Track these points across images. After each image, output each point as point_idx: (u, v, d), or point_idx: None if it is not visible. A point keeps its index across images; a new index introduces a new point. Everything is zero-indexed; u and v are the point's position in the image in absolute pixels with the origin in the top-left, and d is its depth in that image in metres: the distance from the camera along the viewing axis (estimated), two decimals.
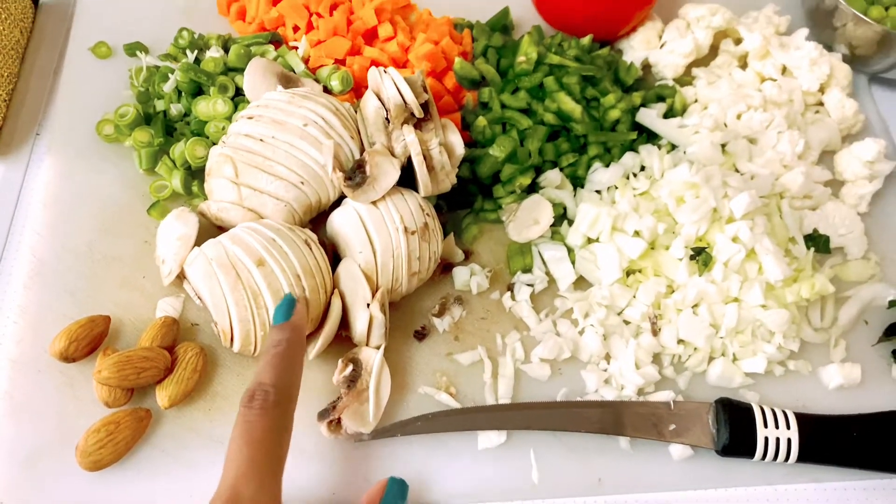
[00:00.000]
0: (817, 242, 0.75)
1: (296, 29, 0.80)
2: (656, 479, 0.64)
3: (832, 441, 0.63)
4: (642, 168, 0.76)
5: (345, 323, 0.66)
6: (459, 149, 0.71)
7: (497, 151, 0.73)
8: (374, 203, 0.67)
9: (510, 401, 0.66)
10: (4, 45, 0.80)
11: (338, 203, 0.70)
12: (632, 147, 0.77)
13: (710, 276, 0.68)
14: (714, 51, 0.88)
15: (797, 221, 0.74)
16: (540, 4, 0.85)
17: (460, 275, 0.72)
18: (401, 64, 0.78)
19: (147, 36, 0.84)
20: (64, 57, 0.83)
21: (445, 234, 0.74)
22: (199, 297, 0.64)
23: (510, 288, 0.72)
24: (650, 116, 0.77)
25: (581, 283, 0.73)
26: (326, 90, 0.75)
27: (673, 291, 0.70)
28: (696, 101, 0.82)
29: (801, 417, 0.64)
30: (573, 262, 0.72)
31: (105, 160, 0.76)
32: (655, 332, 0.68)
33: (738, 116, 0.79)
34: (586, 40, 0.82)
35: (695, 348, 0.68)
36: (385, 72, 0.68)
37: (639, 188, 0.73)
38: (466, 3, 0.90)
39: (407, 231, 0.66)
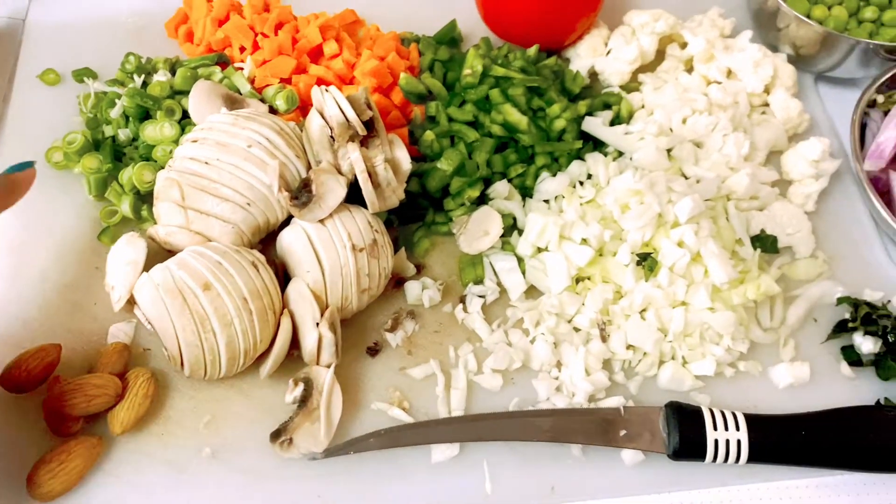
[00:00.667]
0: (765, 243, 0.75)
1: (242, 49, 0.80)
2: (609, 485, 0.65)
3: (781, 441, 0.64)
4: (589, 176, 0.76)
5: (296, 342, 0.67)
6: (406, 164, 0.71)
7: (445, 165, 0.74)
8: (321, 221, 0.67)
9: (463, 413, 0.67)
10: None
11: (288, 222, 0.70)
12: (579, 156, 0.78)
13: (657, 281, 0.69)
14: (661, 55, 0.89)
15: (744, 223, 0.75)
16: (486, 16, 0.86)
17: (412, 289, 0.72)
18: (347, 81, 0.78)
19: (96, 61, 0.84)
20: (13, 84, 0.83)
21: (397, 249, 0.74)
22: (149, 322, 0.64)
23: (462, 300, 0.73)
24: (595, 124, 0.78)
25: (532, 291, 0.73)
26: (272, 110, 0.76)
27: (621, 297, 0.70)
28: (642, 106, 0.83)
29: (750, 418, 0.64)
30: (524, 272, 0.73)
31: (55, 187, 0.76)
32: (604, 339, 0.69)
33: (684, 121, 0.80)
34: (532, 50, 0.83)
35: (644, 353, 0.69)
36: (327, 91, 0.68)
37: (585, 196, 0.74)
38: (415, 16, 0.90)
39: (355, 248, 0.66)
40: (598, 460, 0.65)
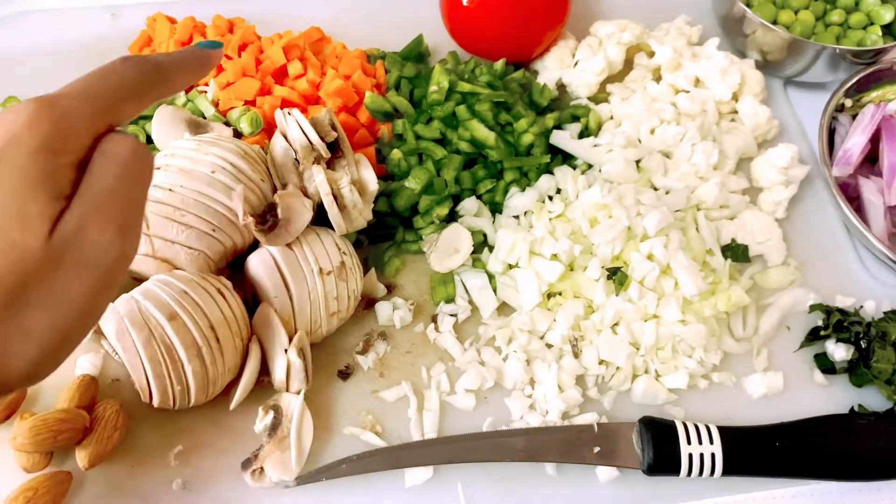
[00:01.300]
0: (736, 252, 0.75)
1: None
2: (584, 502, 0.64)
3: (755, 452, 0.64)
4: (559, 191, 0.76)
5: (267, 368, 0.66)
6: (373, 185, 0.71)
7: (413, 183, 0.73)
8: (288, 245, 0.67)
9: (436, 435, 0.66)
10: None
11: (256, 245, 0.70)
12: (548, 170, 0.77)
13: (627, 294, 0.69)
14: (630, 64, 0.89)
15: (714, 233, 0.75)
16: (453, 30, 0.85)
17: (383, 310, 0.72)
18: (312, 101, 0.77)
19: (59, 87, 0.83)
20: None
21: (367, 269, 0.74)
22: (116, 354, 0.63)
23: (434, 319, 0.72)
24: (563, 137, 0.78)
25: (505, 308, 0.73)
26: (237, 133, 0.75)
27: (593, 312, 0.70)
28: (611, 117, 0.83)
29: (723, 431, 0.64)
30: (495, 289, 0.72)
31: None
32: (577, 354, 0.68)
33: (652, 131, 0.80)
34: (499, 64, 0.83)
35: (617, 368, 0.68)
36: (289, 114, 0.68)
37: (554, 211, 0.73)
38: (382, 31, 0.90)
39: (323, 272, 0.66)
40: (572, 478, 0.65)
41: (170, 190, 0.67)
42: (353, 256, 0.69)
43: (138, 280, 0.67)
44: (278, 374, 0.64)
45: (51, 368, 0.39)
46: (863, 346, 0.71)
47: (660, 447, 0.63)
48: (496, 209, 0.77)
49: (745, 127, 0.83)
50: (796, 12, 0.88)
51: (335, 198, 0.67)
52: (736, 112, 0.85)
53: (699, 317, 0.69)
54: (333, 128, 0.70)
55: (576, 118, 0.81)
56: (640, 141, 0.80)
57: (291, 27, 0.86)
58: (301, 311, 0.66)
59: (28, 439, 0.61)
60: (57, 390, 0.66)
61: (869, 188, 0.76)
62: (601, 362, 0.68)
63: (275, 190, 0.69)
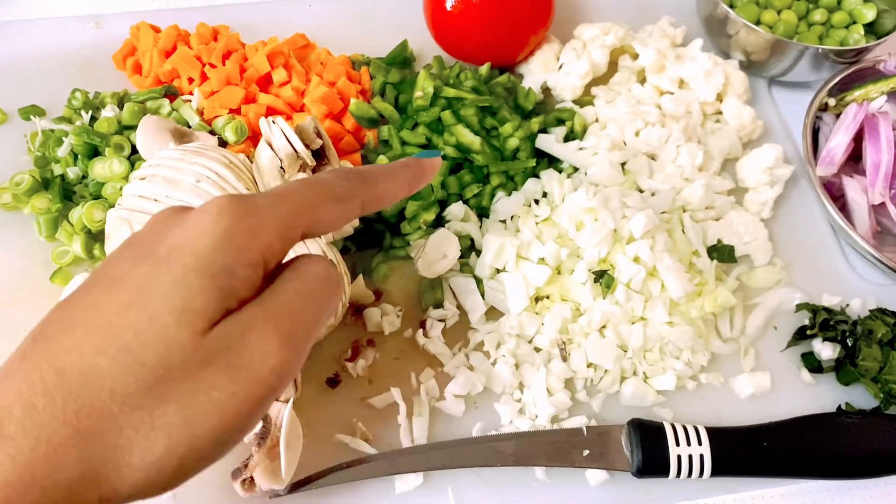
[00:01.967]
0: (722, 253, 0.76)
1: (191, 81, 0.79)
2: None
3: (743, 453, 0.64)
4: (545, 194, 0.76)
5: None
6: None
7: None
8: None
9: (426, 441, 0.66)
10: None
11: None
12: (535, 173, 0.77)
13: (614, 297, 0.69)
14: (614, 67, 0.89)
15: (700, 234, 0.75)
16: (437, 35, 0.85)
17: (372, 316, 0.72)
18: (297, 108, 0.77)
19: (44, 98, 0.83)
20: None
21: (356, 275, 0.74)
22: None
23: (423, 325, 0.72)
24: (549, 141, 0.78)
25: (493, 313, 0.73)
26: (223, 142, 0.75)
27: (581, 315, 0.70)
28: (596, 120, 0.83)
29: (712, 432, 0.64)
30: (483, 294, 0.72)
31: (5, 228, 0.75)
32: (565, 358, 0.69)
33: (637, 133, 0.80)
34: (484, 68, 0.83)
35: (605, 370, 0.69)
36: (273, 122, 0.68)
37: (540, 215, 0.73)
38: (367, 37, 0.90)
39: None
40: (562, 482, 0.65)
41: (155, 200, 0.66)
42: (340, 263, 0.69)
43: None
44: None
45: (169, 481, 0.34)
46: (849, 345, 0.71)
47: (648, 449, 0.63)
48: (483, 214, 0.77)
49: (730, 128, 0.84)
50: (779, 12, 0.88)
51: None
52: (720, 113, 0.85)
53: (686, 318, 0.69)
54: (318, 135, 0.70)
55: (561, 122, 0.82)
56: (625, 143, 0.80)
57: (276, 34, 0.86)
58: None
59: None
60: None
61: (853, 187, 0.76)
62: (589, 365, 0.69)
63: None
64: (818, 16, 0.88)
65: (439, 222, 0.76)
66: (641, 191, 0.77)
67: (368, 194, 0.41)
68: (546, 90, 0.87)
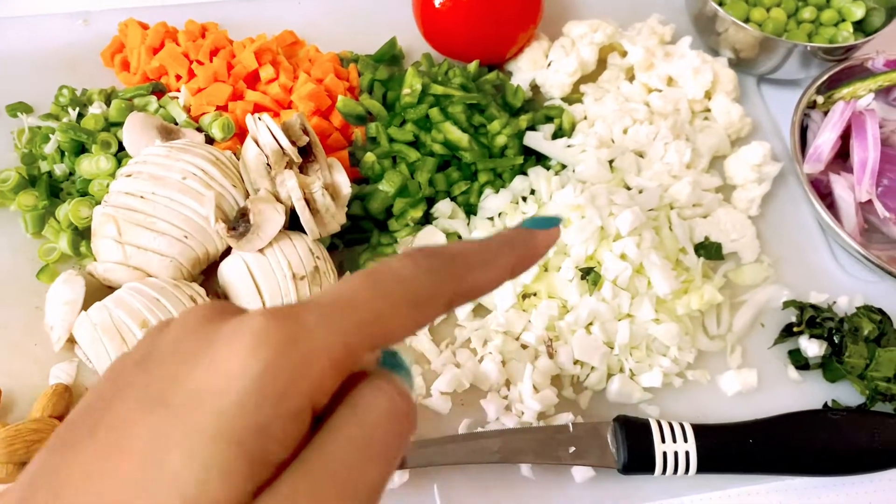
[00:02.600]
0: (709, 250, 0.76)
1: (178, 78, 0.79)
2: (560, 503, 0.64)
3: (729, 450, 0.64)
4: (533, 192, 0.76)
5: None
6: (346, 188, 0.71)
7: (387, 186, 0.73)
8: (261, 251, 0.67)
9: (413, 438, 0.66)
10: None
11: (229, 251, 0.70)
12: (523, 171, 0.77)
13: (601, 294, 0.69)
14: (604, 64, 0.89)
15: (687, 231, 0.75)
16: (426, 32, 0.85)
17: None
18: (284, 105, 0.77)
19: (32, 94, 0.82)
20: None
21: (343, 272, 0.74)
22: (90, 361, 0.63)
23: None
24: (537, 139, 0.78)
25: (480, 310, 0.73)
26: (210, 139, 0.75)
27: (567, 312, 0.70)
28: (585, 118, 0.83)
29: (697, 429, 0.64)
30: None
31: None
32: (552, 355, 0.69)
33: (625, 131, 0.80)
34: (473, 66, 0.83)
35: (592, 367, 0.69)
36: (259, 119, 0.68)
37: (528, 212, 0.73)
38: (356, 34, 0.90)
39: (296, 277, 0.66)
40: (548, 479, 0.65)
41: (141, 197, 0.66)
42: (327, 261, 0.69)
43: (112, 289, 0.67)
44: None
45: None
46: (836, 342, 0.71)
47: (634, 446, 0.63)
48: (471, 211, 0.77)
49: (718, 125, 0.84)
50: (768, 10, 0.88)
51: (307, 202, 0.67)
52: (709, 110, 0.85)
53: (672, 315, 0.69)
54: (305, 132, 0.70)
55: (549, 119, 0.82)
56: (613, 141, 0.80)
57: (265, 31, 0.86)
58: None
59: (1, 450, 0.60)
60: (31, 400, 0.66)
61: (840, 184, 0.76)
62: (576, 362, 0.69)
63: (247, 196, 0.69)
64: (807, 13, 0.88)
65: (427, 219, 0.76)
66: (629, 188, 0.77)
67: (457, 289, 0.30)
68: (535, 87, 0.87)
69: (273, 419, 0.24)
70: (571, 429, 0.65)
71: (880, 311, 0.73)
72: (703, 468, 0.63)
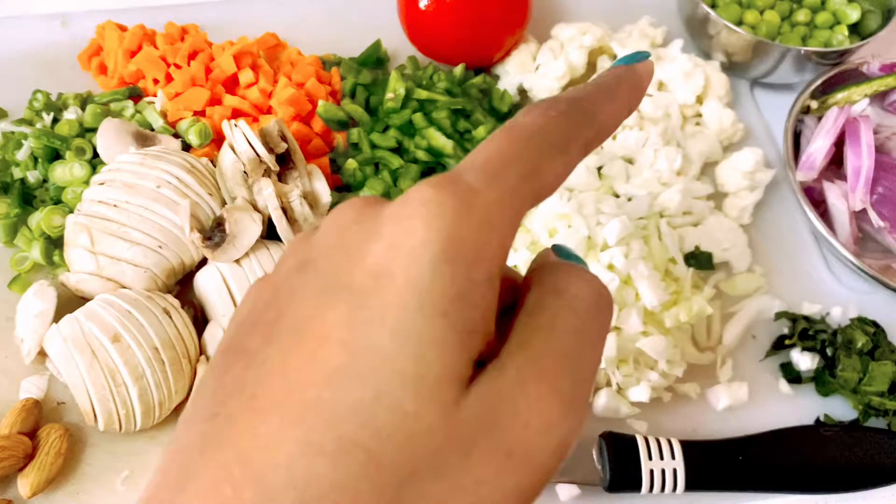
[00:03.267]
0: (699, 260, 0.74)
1: (156, 82, 0.77)
2: None
3: (719, 467, 0.63)
4: None
5: None
6: (325, 197, 0.69)
7: (369, 194, 0.71)
8: (237, 261, 0.65)
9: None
10: None
11: (205, 261, 0.68)
12: None
13: None
14: (594, 68, 0.87)
15: (677, 241, 0.73)
16: (411, 35, 0.83)
17: None
18: (264, 110, 0.75)
19: (7, 99, 0.80)
20: None
21: None
22: (61, 375, 0.62)
23: None
24: None
25: None
26: (187, 145, 0.73)
27: None
28: None
29: (686, 446, 0.63)
30: None
31: None
32: None
33: (614, 137, 0.78)
34: (459, 69, 0.81)
35: None
36: (235, 125, 0.66)
37: None
38: (340, 37, 0.88)
39: None
40: None
41: (114, 206, 0.65)
42: None
43: (85, 299, 0.65)
44: None
45: None
46: (829, 355, 0.69)
47: (620, 463, 0.61)
48: None
49: (710, 131, 0.82)
50: (761, 13, 0.86)
51: (284, 211, 0.65)
52: (700, 116, 0.83)
53: (661, 328, 0.67)
54: (284, 139, 0.68)
55: None
56: (601, 147, 0.78)
57: (248, 33, 0.84)
58: None
59: None
60: (1, 415, 0.64)
61: (833, 192, 0.74)
62: None
63: (223, 204, 0.68)
64: (801, 16, 0.86)
65: None
66: (618, 196, 0.75)
67: (592, 130, 0.30)
68: (523, 92, 0.85)
69: (471, 286, 0.24)
70: None
71: (874, 324, 0.71)
72: (691, 486, 0.62)
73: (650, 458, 0.62)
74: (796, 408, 0.69)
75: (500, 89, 0.81)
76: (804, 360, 0.69)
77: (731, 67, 0.87)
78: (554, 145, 0.28)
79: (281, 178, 0.68)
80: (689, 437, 0.64)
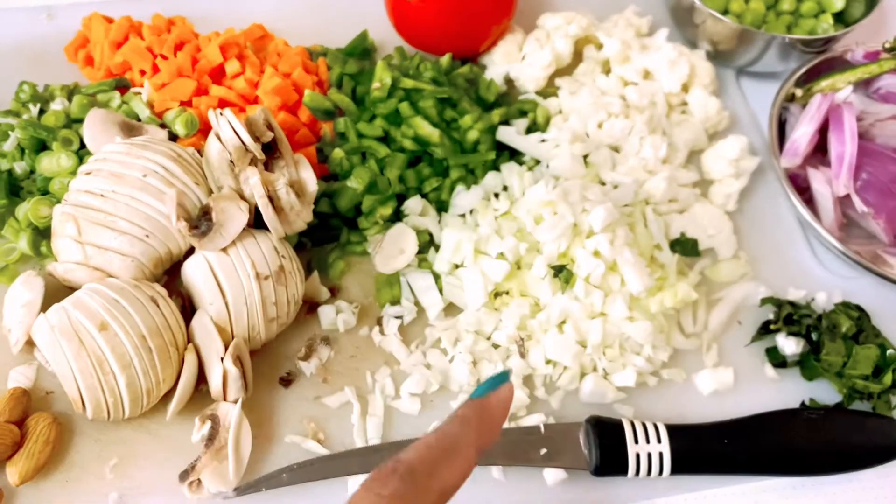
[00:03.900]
0: (685, 246, 0.74)
1: (143, 73, 0.77)
2: None
3: (704, 450, 0.63)
4: (506, 188, 0.75)
5: (205, 377, 0.64)
6: (312, 185, 0.69)
7: (355, 183, 0.72)
8: (224, 250, 0.65)
9: (380, 441, 0.65)
10: None
11: (192, 251, 0.68)
12: (495, 166, 0.76)
13: (574, 292, 0.67)
14: (580, 57, 0.87)
15: (662, 228, 0.74)
16: (398, 25, 0.84)
17: (326, 314, 0.70)
18: (250, 100, 0.75)
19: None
20: None
21: (311, 271, 0.72)
22: (48, 364, 0.62)
23: (379, 322, 0.71)
24: (510, 134, 0.76)
25: (452, 309, 0.71)
26: (173, 135, 0.73)
27: (540, 311, 0.68)
28: (560, 112, 0.81)
29: (672, 429, 0.63)
30: (441, 290, 0.71)
31: None
32: (523, 354, 0.67)
33: (600, 125, 0.78)
34: (445, 59, 0.81)
35: (564, 367, 0.67)
36: (221, 114, 0.66)
37: (500, 209, 0.72)
38: (327, 27, 0.88)
39: (259, 276, 0.64)
40: (519, 481, 0.64)
41: (101, 195, 0.65)
42: (293, 260, 0.68)
43: (73, 289, 0.65)
44: (215, 383, 0.63)
45: None
46: (814, 339, 0.70)
47: (607, 447, 0.62)
48: (442, 208, 0.75)
49: (696, 119, 0.82)
50: (747, 1, 0.86)
51: (271, 200, 0.65)
52: (686, 104, 0.84)
53: (646, 314, 0.68)
54: (270, 127, 0.68)
55: (523, 113, 0.80)
56: (587, 135, 0.79)
57: (234, 24, 0.84)
58: (238, 318, 0.64)
59: None
60: None
61: (818, 179, 0.75)
62: (548, 362, 0.67)
63: (210, 193, 0.68)
64: (786, 4, 0.86)
65: (397, 217, 0.74)
66: (604, 183, 0.76)
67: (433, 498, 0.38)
68: (509, 81, 0.85)
69: None
70: (543, 430, 0.63)
71: (858, 308, 0.71)
72: (677, 469, 0.62)
73: (636, 442, 0.62)
74: (782, 392, 0.70)
75: (487, 79, 0.81)
76: (789, 345, 0.69)
77: (717, 56, 0.88)
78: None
79: (267, 167, 0.69)
80: (676, 422, 0.64)
